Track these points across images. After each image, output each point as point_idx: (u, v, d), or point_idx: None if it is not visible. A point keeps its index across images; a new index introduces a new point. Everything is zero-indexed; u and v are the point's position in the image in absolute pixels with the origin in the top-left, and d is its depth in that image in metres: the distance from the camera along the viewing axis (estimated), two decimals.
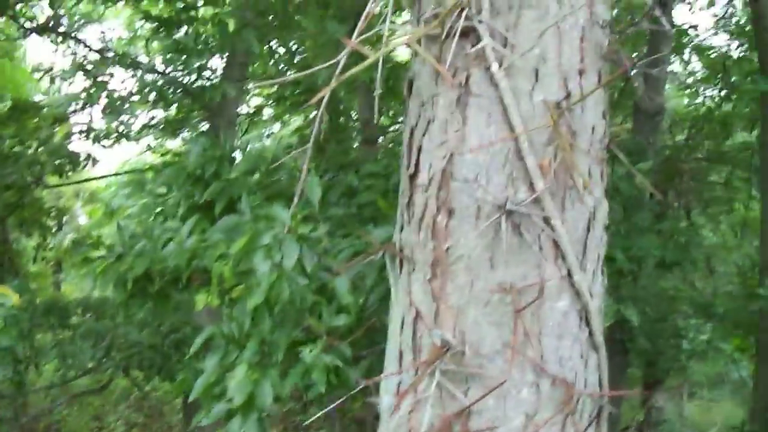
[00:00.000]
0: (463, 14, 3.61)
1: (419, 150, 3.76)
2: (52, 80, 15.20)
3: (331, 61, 3.81)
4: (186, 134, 15.51)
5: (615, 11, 4.24)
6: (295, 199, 4.38)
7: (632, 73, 3.92)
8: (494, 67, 3.54)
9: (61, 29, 15.06)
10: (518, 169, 3.53)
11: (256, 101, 18.48)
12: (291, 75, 14.87)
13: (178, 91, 12.58)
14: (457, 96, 3.63)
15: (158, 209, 7.67)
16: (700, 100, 20.12)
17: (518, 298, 3.53)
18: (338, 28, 10.27)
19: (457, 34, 3.60)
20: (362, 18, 3.76)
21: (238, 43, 11.22)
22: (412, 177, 3.78)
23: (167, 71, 12.66)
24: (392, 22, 3.85)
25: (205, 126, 14.71)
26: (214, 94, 11.49)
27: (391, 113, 16.40)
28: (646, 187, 9.52)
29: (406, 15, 4.41)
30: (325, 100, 3.70)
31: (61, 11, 15.11)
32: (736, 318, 13.98)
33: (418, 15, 3.97)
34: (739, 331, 15.06)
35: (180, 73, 12.34)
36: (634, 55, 16.41)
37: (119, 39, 19.48)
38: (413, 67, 3.96)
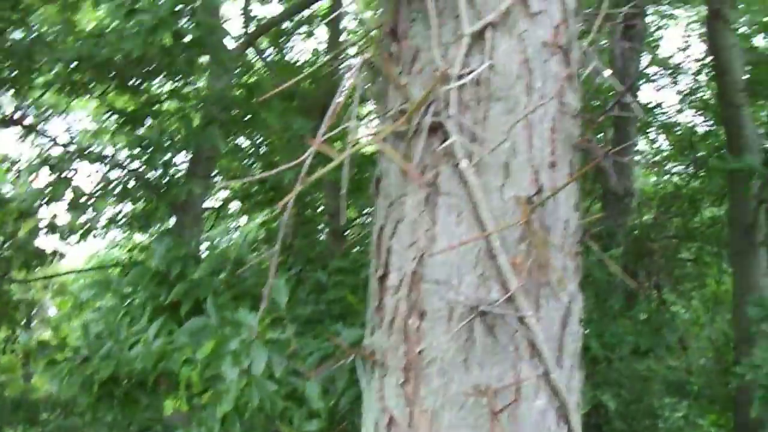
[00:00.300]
0: (431, 109, 3.56)
1: (388, 251, 3.68)
2: (18, 173, 15.13)
3: (297, 161, 3.73)
4: (153, 229, 15.41)
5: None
6: (262, 304, 4.28)
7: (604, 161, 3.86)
8: (463, 163, 3.47)
9: (27, 122, 15.00)
10: (490, 268, 3.45)
11: (223, 193, 18.45)
12: (257, 173, 14.86)
13: (144, 187, 12.50)
14: (426, 195, 3.56)
15: (124, 310, 7.57)
16: (667, 177, 20.30)
17: (494, 400, 3.43)
18: (303, 124, 10.26)
19: (425, 130, 3.54)
20: (326, 117, 3.69)
21: (203, 139, 11.20)
22: (382, 279, 3.70)
23: (132, 166, 12.61)
24: (358, 118, 3.78)
25: (171, 221, 14.64)
26: (179, 192, 11.43)
27: (358, 204, 16.40)
28: (619, 274, 9.53)
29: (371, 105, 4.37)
30: (290, 204, 3.61)
31: (27, 101, 15.07)
32: (711, 394, 13.97)
33: (385, 111, 3.92)
34: (716, 407, 15.03)
35: (145, 168, 12.28)
36: (600, 134, 16.51)
37: (85, 131, 19.44)
38: (380, 165, 3.89)
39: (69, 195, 12.86)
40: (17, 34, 12.59)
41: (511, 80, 3.67)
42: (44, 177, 13.86)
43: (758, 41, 21.43)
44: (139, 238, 17.73)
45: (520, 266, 3.46)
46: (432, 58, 3.72)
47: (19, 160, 15.44)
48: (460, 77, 3.60)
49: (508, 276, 3.43)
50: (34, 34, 12.31)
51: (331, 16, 17.31)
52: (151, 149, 11.34)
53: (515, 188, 3.53)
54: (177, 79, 12.42)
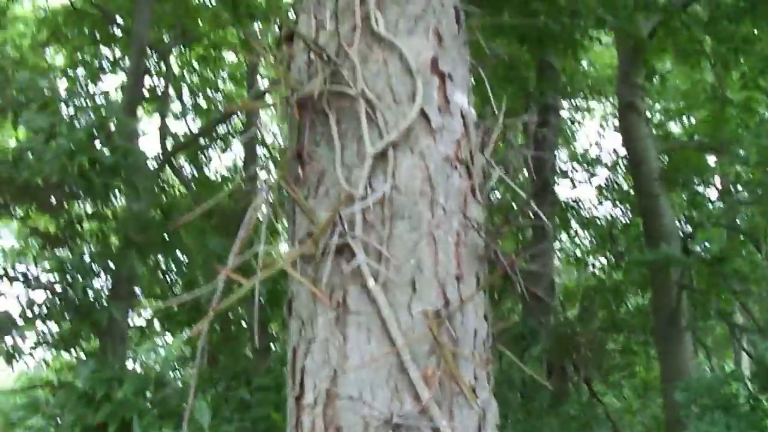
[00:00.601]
0: (337, 231, 3.64)
1: (303, 371, 3.72)
2: None
3: (210, 286, 3.80)
4: (79, 348, 15.27)
5: (494, 193, 4.31)
6: (184, 425, 4.31)
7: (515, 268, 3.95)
8: (370, 283, 3.56)
9: None
10: (402, 381, 3.51)
11: (147, 312, 18.32)
12: (178, 290, 14.83)
13: (67, 309, 12.41)
14: (336, 315, 3.63)
15: None
16: (590, 271, 20.51)
17: None
18: (218, 243, 10.29)
19: (332, 252, 3.62)
20: (235, 245, 3.77)
21: (122, 262, 11.21)
22: (298, 398, 3.73)
23: (56, 287, 12.53)
24: (276, 234, 3.87)
25: (96, 341, 14.51)
26: (100, 316, 11.40)
27: (280, 318, 16.37)
28: (536, 376, 9.62)
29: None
30: (205, 330, 3.67)
31: None
32: None
33: (293, 235, 4.00)
34: None
35: (68, 290, 12.20)
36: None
37: (10, 250, 19.28)
38: (291, 287, 3.96)
39: None
40: None
41: (414, 197, 3.78)
42: None
43: (673, 127, 21.93)
44: (67, 356, 17.52)
45: (431, 378, 3.53)
46: (336, 180, 3.82)
47: None
48: (364, 198, 3.71)
49: (419, 388, 3.49)
50: None
51: (245, 137, 17.48)
52: (72, 272, 11.32)
53: (422, 303, 3.62)
54: (96, 201, 12.44)
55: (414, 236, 3.71)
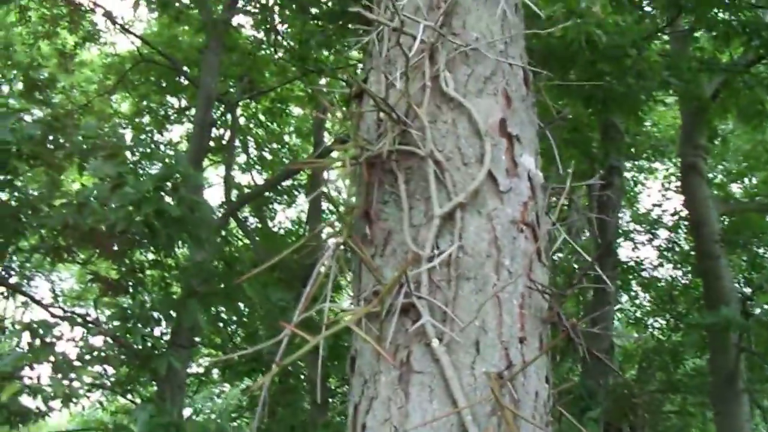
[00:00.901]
0: (402, 291, 3.67)
1: (363, 428, 3.73)
2: (2, 330, 15.13)
3: (273, 340, 3.83)
4: (135, 392, 15.34)
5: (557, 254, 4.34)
6: None
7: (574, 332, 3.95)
8: (434, 343, 3.57)
9: (12, 280, 15.03)
10: None
11: (205, 359, 18.36)
12: (238, 341, 14.91)
13: (126, 354, 12.47)
14: (399, 374, 3.64)
15: None
16: (648, 332, 20.44)
17: None
18: (282, 296, 10.33)
19: (397, 311, 3.64)
20: (301, 302, 3.80)
21: (183, 311, 11.25)
22: None
23: (116, 334, 12.59)
24: (333, 300, 3.89)
25: (153, 385, 14.56)
26: (159, 365, 11.44)
27: (340, 373, 16.35)
28: None
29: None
30: (266, 386, 3.70)
31: (14, 263, 15.11)
32: None
33: (359, 292, 4.03)
34: None
35: (128, 336, 12.26)
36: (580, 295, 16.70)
37: (70, 292, 19.49)
38: (354, 344, 3.98)
39: (51, 358, 12.81)
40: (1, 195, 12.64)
41: (480, 259, 3.81)
42: (26, 338, 13.85)
43: (734, 188, 21.83)
44: (123, 400, 17.62)
45: None
46: (404, 240, 3.86)
47: (3, 319, 15.47)
48: (431, 259, 3.74)
49: None
50: (20, 196, 12.36)
51: (312, 195, 17.60)
52: (133, 320, 11.37)
53: (485, 364, 3.62)
54: (159, 250, 12.52)
55: (479, 298, 3.73)
